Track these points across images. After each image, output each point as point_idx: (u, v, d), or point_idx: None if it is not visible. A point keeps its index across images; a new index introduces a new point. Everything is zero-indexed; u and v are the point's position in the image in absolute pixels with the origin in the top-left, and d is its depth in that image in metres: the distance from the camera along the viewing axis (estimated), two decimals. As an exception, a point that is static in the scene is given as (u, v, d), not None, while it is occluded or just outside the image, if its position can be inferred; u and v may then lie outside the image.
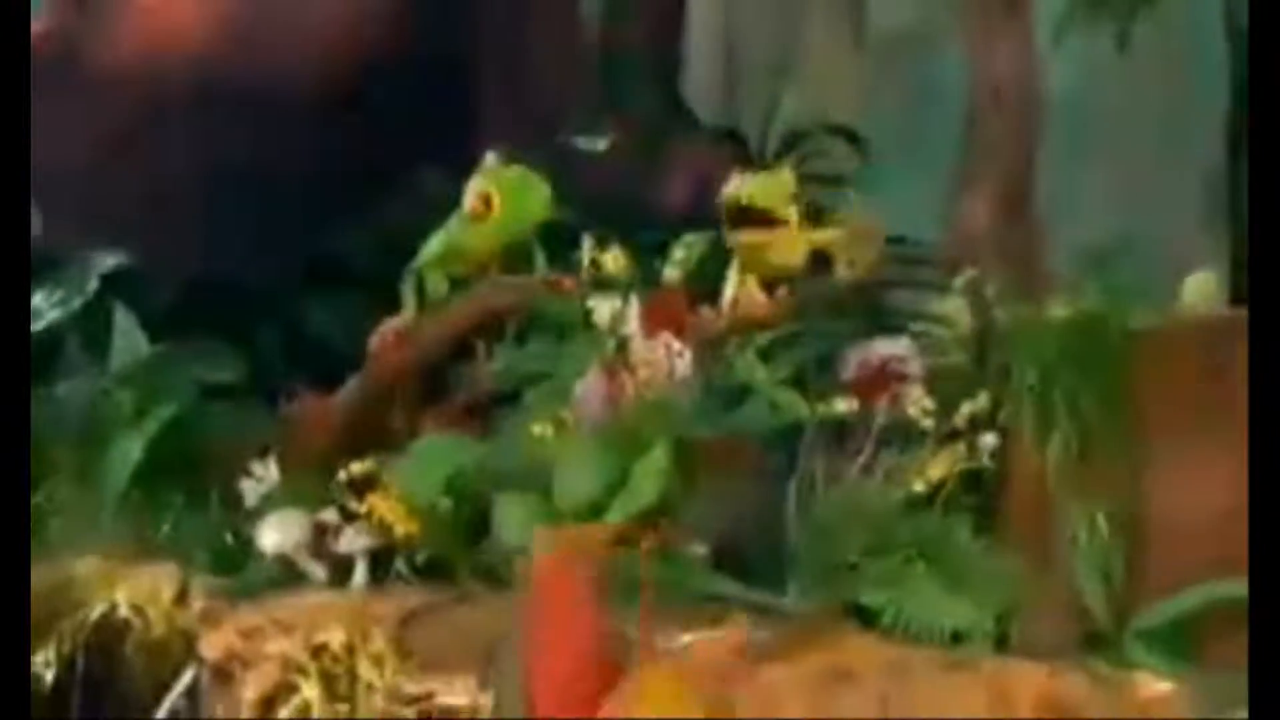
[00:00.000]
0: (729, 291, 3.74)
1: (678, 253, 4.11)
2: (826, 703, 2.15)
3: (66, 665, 3.08)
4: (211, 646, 2.95)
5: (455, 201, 4.17)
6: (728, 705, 2.19)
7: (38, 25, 5.42)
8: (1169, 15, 5.06)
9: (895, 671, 2.26)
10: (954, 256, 4.17)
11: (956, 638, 2.49)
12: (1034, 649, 2.37)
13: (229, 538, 3.51)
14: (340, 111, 5.01)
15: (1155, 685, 2.16)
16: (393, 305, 4.20)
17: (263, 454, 3.59)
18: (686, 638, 2.51)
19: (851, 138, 5.53)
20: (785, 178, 4.04)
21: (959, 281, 3.44)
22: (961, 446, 2.89)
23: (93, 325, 4.05)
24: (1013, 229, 4.23)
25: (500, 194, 4.01)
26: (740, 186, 3.91)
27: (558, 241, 3.91)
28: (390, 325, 3.82)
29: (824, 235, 3.91)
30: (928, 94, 5.57)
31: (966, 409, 2.93)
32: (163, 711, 2.92)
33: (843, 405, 3.18)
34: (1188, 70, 5.13)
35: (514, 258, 3.90)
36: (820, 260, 3.96)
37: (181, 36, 5.26)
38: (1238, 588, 2.25)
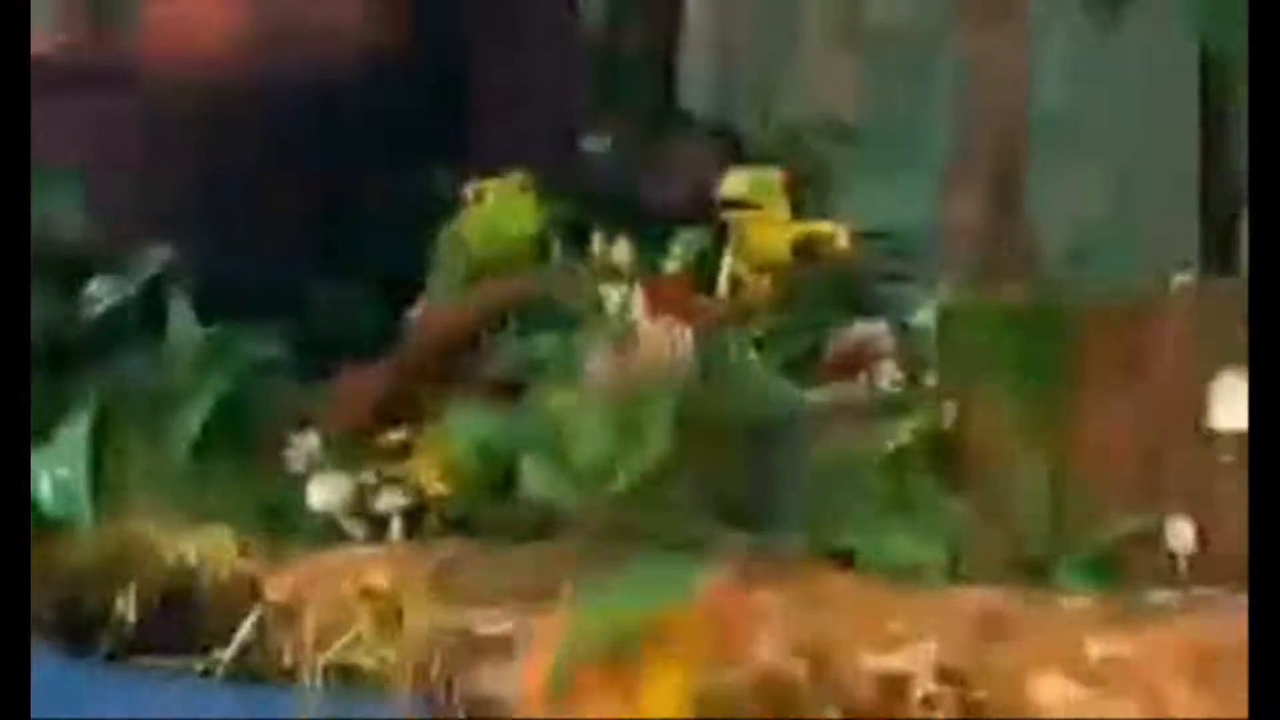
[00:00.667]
0: (723, 277, 4.15)
1: (677, 248, 4.52)
2: (804, 619, 2.58)
3: (145, 607, 3.50)
4: (275, 589, 3.37)
5: (458, 199, 4.56)
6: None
7: (56, 37, 5.72)
8: (1147, 20, 5.33)
9: (861, 596, 2.69)
10: (946, 250, 4.48)
11: (916, 570, 2.92)
12: (981, 577, 2.80)
13: (275, 501, 3.93)
14: (344, 111, 5.31)
15: (1079, 602, 2.58)
16: (399, 298, 4.59)
17: (304, 424, 4.01)
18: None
19: (845, 135, 5.84)
20: (773, 174, 4.43)
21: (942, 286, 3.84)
22: (927, 412, 3.33)
23: (150, 310, 4.44)
24: (1004, 224, 4.49)
25: (490, 197, 4.42)
26: (732, 185, 4.31)
27: (572, 235, 4.33)
28: (424, 306, 4.22)
29: (810, 227, 4.31)
30: (921, 92, 5.82)
31: (931, 380, 3.37)
32: (234, 644, 3.34)
33: (828, 394, 3.62)
34: (1166, 73, 5.41)
35: (533, 251, 4.32)
36: (806, 251, 4.38)
37: (198, 42, 5.55)
38: (1149, 521, 2.69)
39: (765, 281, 4.27)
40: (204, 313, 4.42)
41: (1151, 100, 5.55)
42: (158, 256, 4.68)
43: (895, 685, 2.38)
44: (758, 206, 4.28)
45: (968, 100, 4.58)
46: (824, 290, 4.24)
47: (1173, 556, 2.69)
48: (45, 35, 5.56)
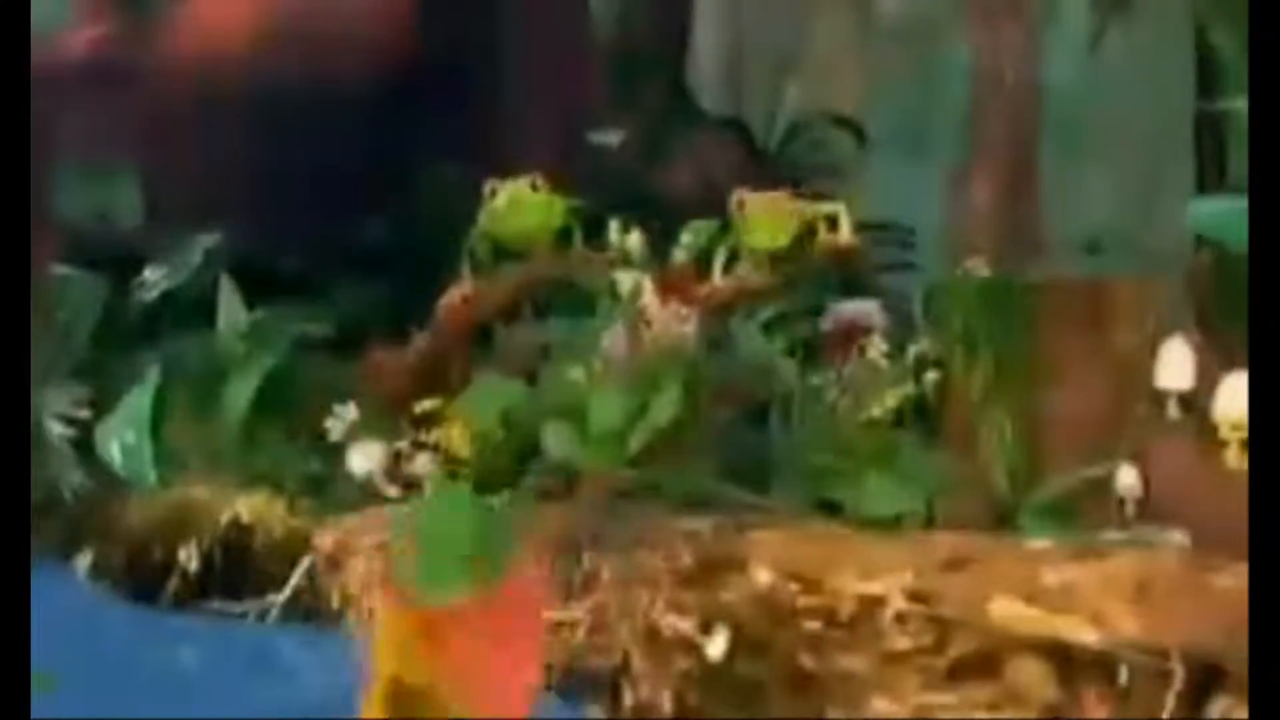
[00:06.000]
0: (717, 263, 4.48)
1: (685, 237, 4.83)
2: (796, 553, 2.93)
3: (205, 558, 3.86)
4: (324, 540, 3.73)
5: (474, 193, 4.88)
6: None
7: (85, 29, 6.00)
8: (1145, 18, 5.49)
9: (846, 537, 3.04)
10: (957, 239, 4.69)
11: (898, 520, 3.26)
12: (954, 525, 3.15)
13: (318, 466, 4.28)
14: (367, 110, 5.58)
15: (1040, 542, 2.92)
16: (416, 285, 4.89)
17: (344, 397, 4.35)
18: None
19: (853, 128, 6.05)
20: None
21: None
22: (910, 380, 3.68)
23: (201, 291, 4.80)
24: (1014, 213, 4.66)
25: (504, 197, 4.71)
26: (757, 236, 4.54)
27: (588, 225, 4.65)
28: (455, 290, 4.55)
29: (814, 209, 4.60)
30: (930, 85, 6.00)
31: (913, 351, 3.73)
32: (288, 589, 3.70)
33: (825, 376, 3.95)
34: (1162, 68, 5.60)
35: (550, 242, 4.64)
36: (809, 235, 4.68)
37: (230, 41, 5.84)
38: (1098, 471, 3.05)
39: (767, 268, 4.59)
40: (250, 295, 4.79)
41: (1147, 94, 5.69)
42: (206, 244, 5.05)
43: (871, 605, 2.73)
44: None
45: (978, 92, 4.74)
46: (825, 277, 4.56)
47: (1121, 501, 3.04)
48: (76, 34, 5.88)
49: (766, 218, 4.51)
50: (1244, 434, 2.94)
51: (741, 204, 4.55)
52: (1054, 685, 2.61)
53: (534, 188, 4.64)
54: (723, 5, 6.92)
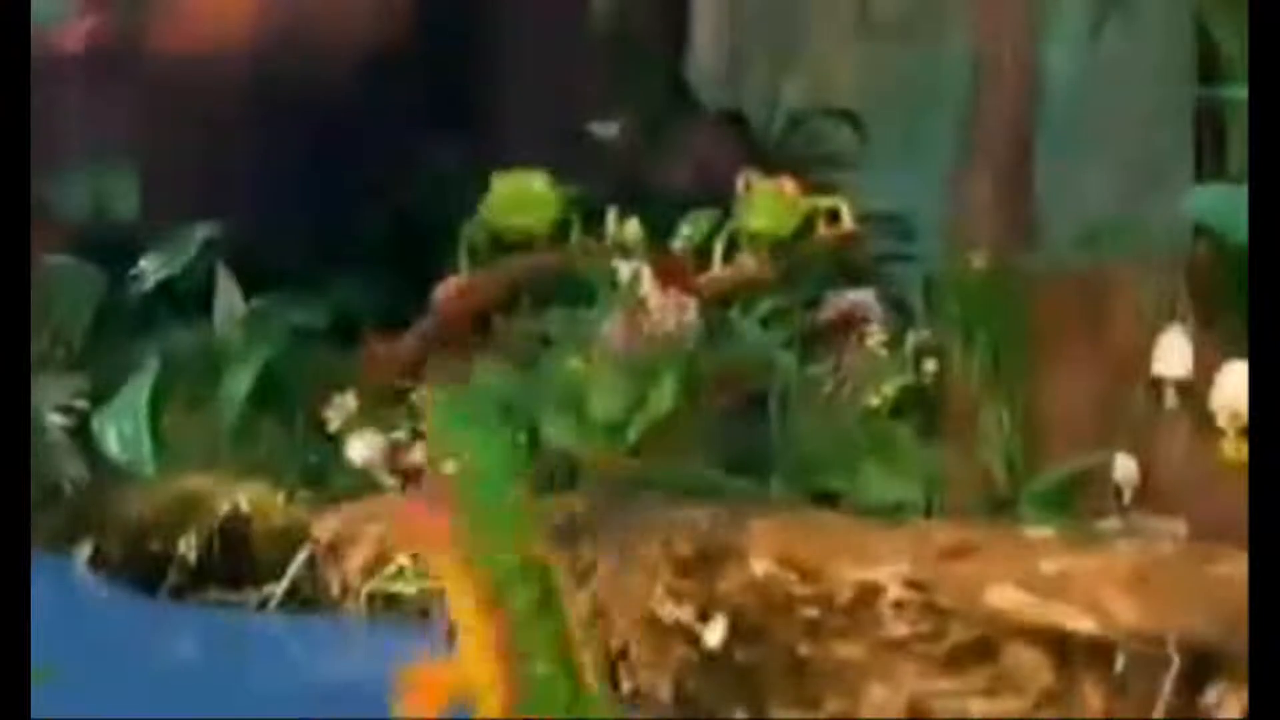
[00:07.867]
0: (717, 252, 4.49)
1: (685, 229, 4.85)
2: (794, 541, 2.93)
3: (205, 547, 3.86)
4: (322, 529, 3.74)
5: (472, 184, 4.87)
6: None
7: (83, 22, 6.00)
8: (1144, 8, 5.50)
9: (845, 527, 3.05)
10: (954, 230, 4.69)
11: (896, 510, 3.27)
12: (953, 514, 3.15)
13: (316, 456, 4.28)
14: (366, 101, 5.59)
15: (1038, 531, 2.93)
16: (413, 276, 4.90)
17: (342, 387, 4.36)
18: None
19: (852, 121, 6.07)
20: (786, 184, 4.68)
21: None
22: (909, 370, 3.69)
23: (197, 282, 4.79)
24: (1012, 204, 4.47)
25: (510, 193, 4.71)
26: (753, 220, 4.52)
27: (587, 215, 4.66)
28: (454, 279, 4.56)
29: (815, 202, 4.61)
30: (928, 76, 6.02)
31: (912, 340, 3.74)
32: (287, 578, 3.71)
33: (823, 367, 3.97)
34: (1162, 57, 5.60)
35: (550, 233, 4.65)
36: (809, 227, 4.68)
37: (227, 33, 5.84)
38: (1096, 460, 3.05)
39: (766, 258, 4.59)
40: (247, 286, 4.78)
41: (1156, 84, 5.68)
42: (203, 235, 5.04)
43: (869, 593, 2.74)
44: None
45: (977, 83, 4.58)
46: (825, 268, 4.56)
47: (1118, 489, 3.05)
48: (74, 25, 5.88)
49: (772, 203, 4.53)
50: (1241, 423, 2.95)
51: (749, 185, 4.56)
52: (1051, 673, 2.62)
53: (533, 179, 4.66)
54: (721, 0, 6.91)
